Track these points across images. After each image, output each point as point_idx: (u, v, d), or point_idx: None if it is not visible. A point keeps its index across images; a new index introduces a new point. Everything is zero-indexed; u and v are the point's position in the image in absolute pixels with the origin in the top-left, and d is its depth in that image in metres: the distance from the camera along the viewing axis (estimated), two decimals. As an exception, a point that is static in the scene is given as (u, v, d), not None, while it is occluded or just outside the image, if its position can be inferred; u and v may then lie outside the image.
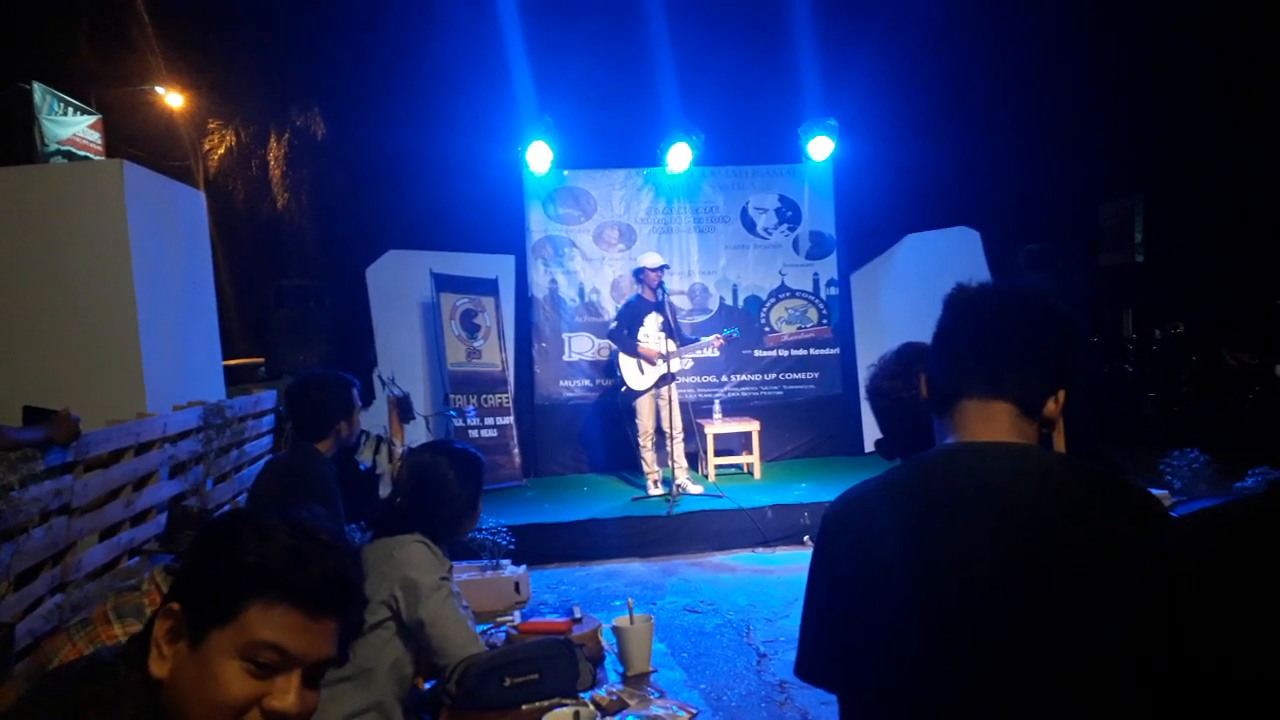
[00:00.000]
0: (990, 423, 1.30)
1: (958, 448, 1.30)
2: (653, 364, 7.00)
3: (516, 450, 8.03)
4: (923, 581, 1.20)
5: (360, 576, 1.18)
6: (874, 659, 1.24)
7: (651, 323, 7.07)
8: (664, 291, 7.08)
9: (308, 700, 1.14)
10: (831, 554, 1.31)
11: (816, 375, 8.83)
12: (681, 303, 8.46)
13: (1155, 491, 4.69)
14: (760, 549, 6.46)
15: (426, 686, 2.53)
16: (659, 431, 7.18)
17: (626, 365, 7.15)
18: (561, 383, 8.61)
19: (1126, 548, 1.16)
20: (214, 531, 1.15)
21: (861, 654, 1.24)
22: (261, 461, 5.44)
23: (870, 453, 8.04)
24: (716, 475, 7.67)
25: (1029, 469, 1.25)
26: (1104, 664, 1.13)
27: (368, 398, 7.82)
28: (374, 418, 7.64)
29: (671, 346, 6.90)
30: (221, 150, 14.04)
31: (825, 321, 8.86)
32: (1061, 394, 1.32)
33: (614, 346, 7.38)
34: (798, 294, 8.86)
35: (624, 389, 7.24)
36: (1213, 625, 1.06)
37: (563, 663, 2.22)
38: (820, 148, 8.49)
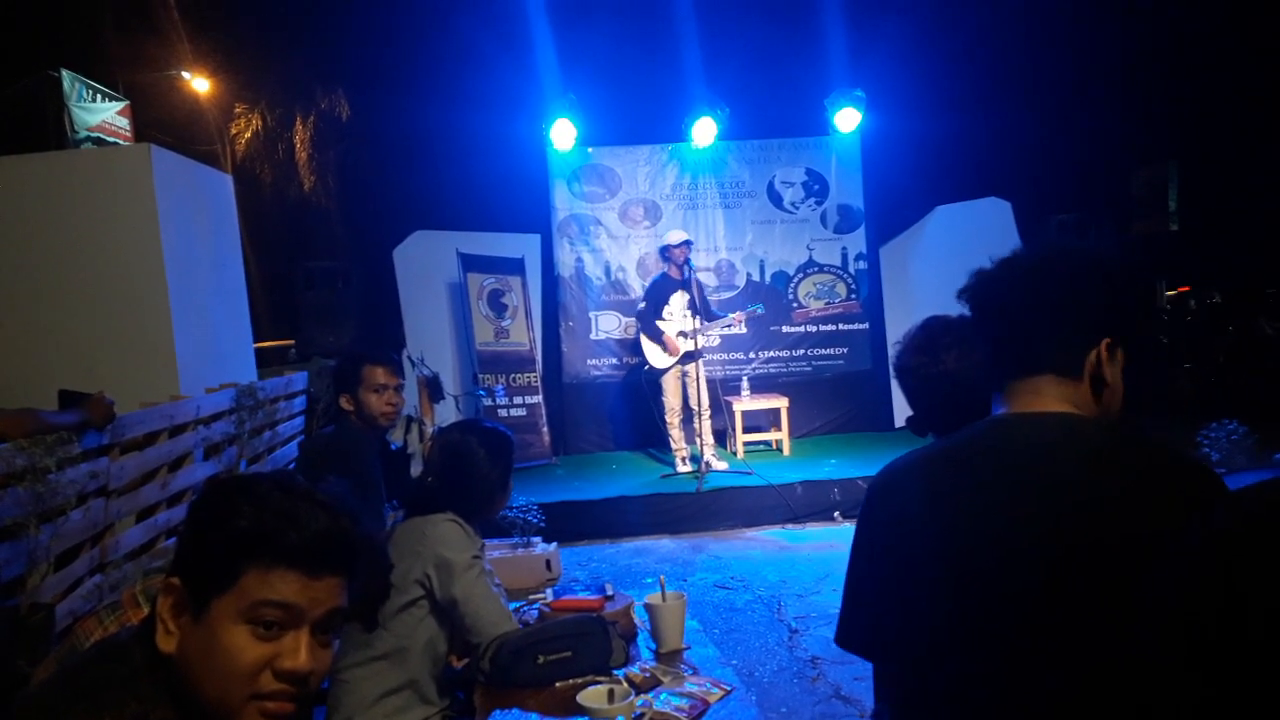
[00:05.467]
0: (1035, 395, 1.29)
1: (1003, 418, 1.30)
2: (674, 352, 6.99)
3: (546, 429, 8.06)
4: (962, 551, 1.19)
5: (359, 532, 1.16)
6: (914, 628, 1.23)
7: (677, 301, 7.04)
8: (690, 268, 7.04)
9: (320, 658, 1.12)
10: (874, 524, 1.30)
11: (845, 350, 8.77)
12: (708, 279, 8.41)
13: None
14: (790, 525, 6.45)
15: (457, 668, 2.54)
16: (686, 409, 7.17)
17: (648, 344, 7.14)
18: (589, 361, 8.61)
19: (1176, 519, 1.14)
20: (205, 501, 1.14)
21: (902, 623, 1.23)
22: (294, 443, 5.50)
23: (901, 428, 7.98)
24: (745, 452, 7.66)
25: (1071, 438, 1.23)
26: (1149, 635, 1.11)
27: (397, 378, 7.85)
28: (405, 398, 7.69)
29: (696, 324, 6.87)
30: (248, 134, 14.09)
31: (854, 296, 8.79)
32: (1104, 345, 1.28)
33: (639, 325, 7.37)
34: (826, 269, 8.79)
35: (647, 368, 7.24)
36: (1272, 597, 1.03)
37: (596, 640, 2.22)
38: (847, 119, 8.38)
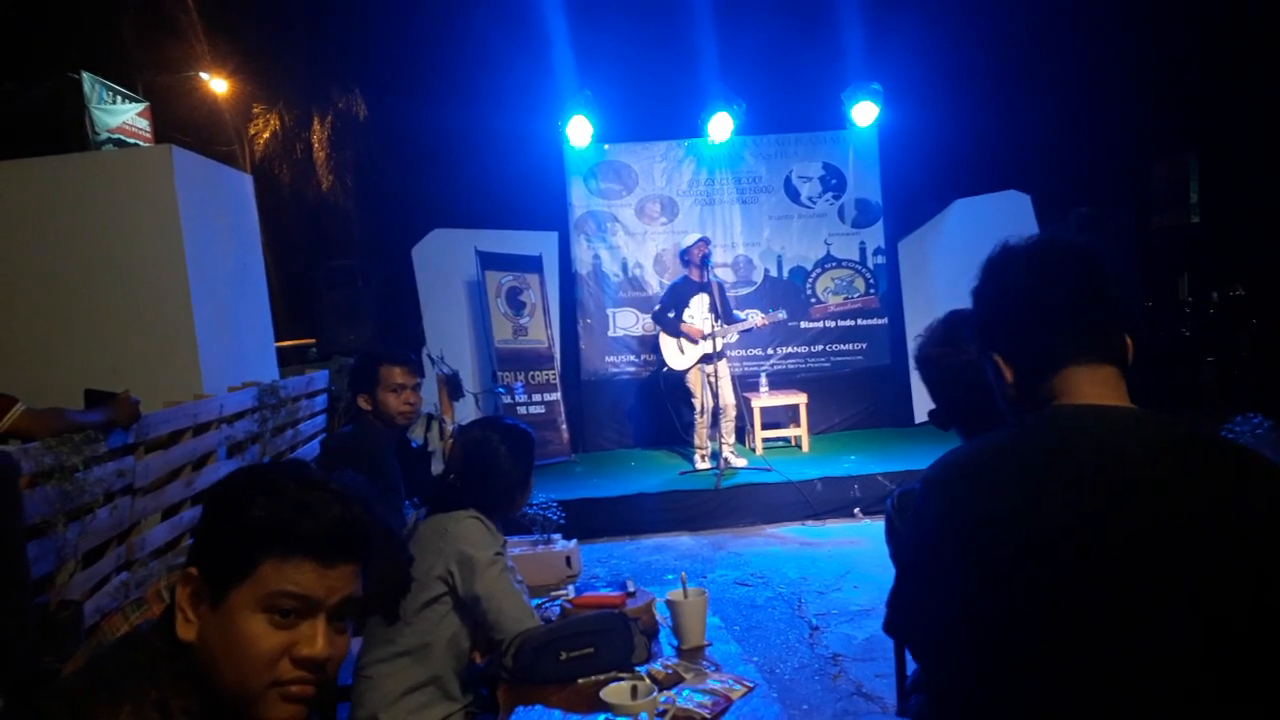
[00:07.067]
0: (1100, 385, 1.27)
1: (1074, 410, 1.26)
2: (695, 343, 6.95)
3: (564, 426, 8.07)
4: (1033, 546, 1.16)
5: (371, 519, 1.18)
6: (976, 623, 1.19)
7: (698, 304, 7.02)
8: (709, 266, 6.99)
9: (337, 644, 1.14)
10: (931, 516, 1.26)
11: (864, 346, 8.74)
12: (725, 275, 8.40)
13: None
14: (810, 522, 6.44)
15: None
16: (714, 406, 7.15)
17: (666, 345, 7.14)
18: (607, 358, 8.62)
19: (1240, 509, 1.12)
20: (221, 492, 1.16)
21: (961, 617, 1.20)
22: (316, 440, 5.54)
23: (922, 423, 7.95)
24: (764, 448, 7.64)
25: (1147, 433, 1.21)
26: (1207, 625, 1.09)
27: (416, 376, 7.88)
28: (424, 396, 7.72)
29: (716, 327, 6.83)
30: (266, 135, 14.19)
31: (873, 291, 8.75)
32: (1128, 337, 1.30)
33: (657, 326, 7.36)
34: (844, 263, 8.76)
35: (665, 369, 7.22)
36: None
37: (618, 636, 2.23)
38: (864, 113, 8.35)
